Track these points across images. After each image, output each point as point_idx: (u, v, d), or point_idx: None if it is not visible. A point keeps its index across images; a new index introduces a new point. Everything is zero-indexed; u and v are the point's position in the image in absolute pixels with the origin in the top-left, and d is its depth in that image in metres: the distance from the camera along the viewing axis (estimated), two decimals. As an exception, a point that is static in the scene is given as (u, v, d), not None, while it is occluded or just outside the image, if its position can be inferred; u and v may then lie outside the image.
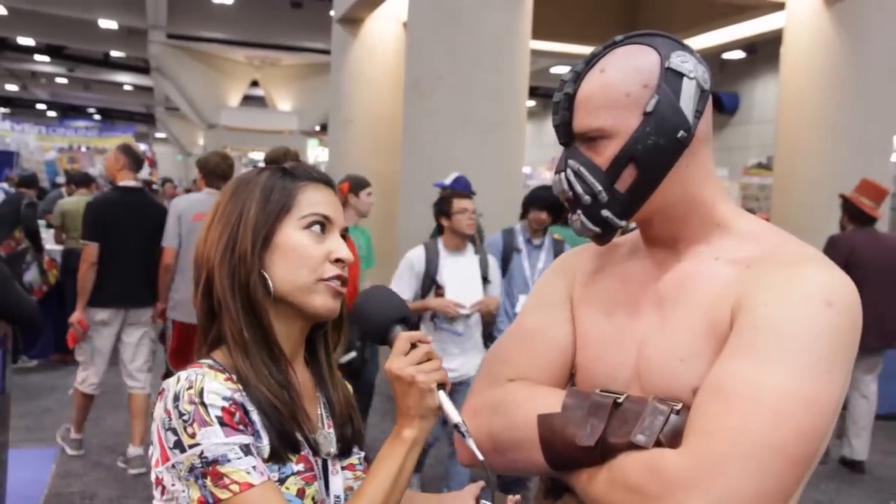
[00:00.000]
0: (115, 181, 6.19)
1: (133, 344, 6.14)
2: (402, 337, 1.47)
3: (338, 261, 1.52)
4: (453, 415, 1.44)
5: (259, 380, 1.45)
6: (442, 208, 5.18)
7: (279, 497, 1.39)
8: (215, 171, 5.98)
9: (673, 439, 1.34)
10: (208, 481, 1.34)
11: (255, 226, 1.49)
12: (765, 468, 1.23)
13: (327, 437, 1.57)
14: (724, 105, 19.36)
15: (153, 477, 1.43)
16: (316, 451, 1.52)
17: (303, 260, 1.49)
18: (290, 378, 1.51)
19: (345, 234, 1.58)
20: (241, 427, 1.39)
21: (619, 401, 1.44)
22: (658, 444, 1.35)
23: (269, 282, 1.49)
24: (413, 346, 1.46)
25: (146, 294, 6.09)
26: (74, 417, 6.27)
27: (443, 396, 1.45)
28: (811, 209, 8.79)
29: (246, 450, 1.38)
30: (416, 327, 1.53)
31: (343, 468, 1.60)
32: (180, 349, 5.79)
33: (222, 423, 1.37)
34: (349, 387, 1.72)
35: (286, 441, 1.44)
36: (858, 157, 9.04)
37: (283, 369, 1.51)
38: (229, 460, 1.35)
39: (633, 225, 1.61)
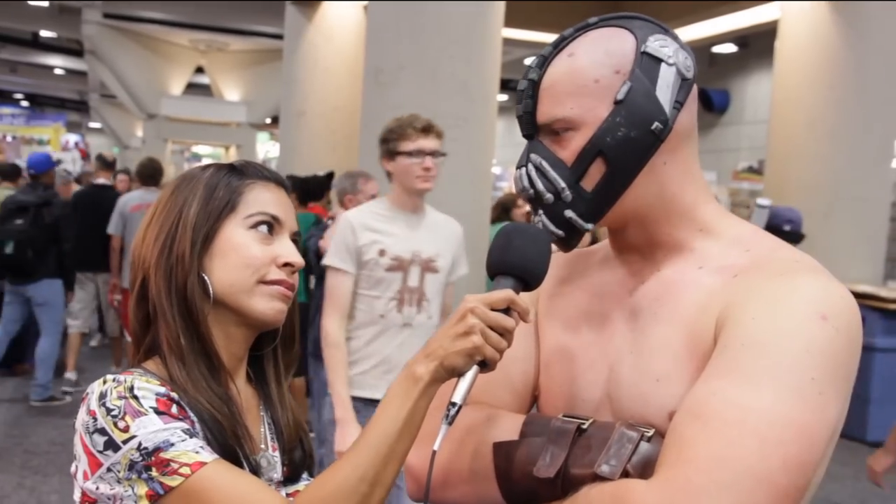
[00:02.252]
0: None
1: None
2: (509, 294, 1.38)
3: (286, 265, 1.50)
4: (459, 392, 1.35)
5: (197, 390, 1.44)
6: None
7: (237, 472, 1.37)
8: (143, 172, 9.07)
9: (643, 470, 1.30)
10: (154, 472, 1.32)
11: (196, 224, 1.47)
12: (747, 501, 1.19)
13: (271, 460, 1.56)
14: (713, 103, 19.44)
15: (77, 496, 1.40)
16: (256, 475, 1.49)
17: (244, 260, 1.48)
18: (230, 391, 1.50)
19: (296, 239, 1.56)
20: (179, 418, 1.37)
21: (584, 426, 1.40)
22: (626, 474, 1.30)
23: (209, 284, 1.47)
24: (507, 310, 1.38)
25: (95, 263, 9.02)
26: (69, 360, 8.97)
27: (471, 374, 1.36)
28: (806, 218, 8.83)
29: (189, 433, 1.36)
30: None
31: (288, 495, 1.58)
32: None
33: (158, 412, 1.36)
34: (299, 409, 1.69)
35: (228, 459, 1.41)
36: (857, 162, 9.12)
37: (223, 381, 1.49)
38: (172, 444, 1.33)
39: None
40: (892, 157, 9.84)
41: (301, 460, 1.63)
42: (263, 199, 1.52)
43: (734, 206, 15.23)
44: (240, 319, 1.51)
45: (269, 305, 1.50)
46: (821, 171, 9.20)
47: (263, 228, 1.50)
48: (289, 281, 1.51)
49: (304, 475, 1.64)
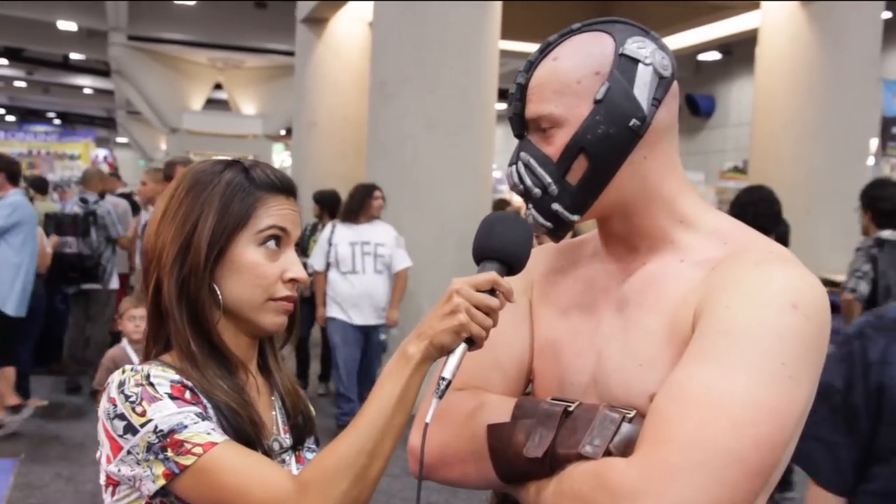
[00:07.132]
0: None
1: None
2: (492, 276, 1.37)
3: (291, 280, 1.50)
4: (449, 368, 1.35)
5: (212, 386, 1.44)
6: None
7: (246, 452, 1.38)
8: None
9: (625, 449, 1.30)
10: (169, 452, 1.34)
11: (211, 239, 1.46)
12: (720, 478, 1.19)
13: (283, 443, 1.57)
14: (700, 108, 19.47)
15: (102, 479, 1.43)
16: (269, 458, 1.49)
17: (256, 279, 1.48)
18: (242, 382, 1.51)
19: (298, 244, 1.56)
20: (193, 402, 1.38)
21: (570, 409, 1.40)
22: (608, 453, 1.30)
23: (219, 295, 1.47)
24: (492, 291, 1.37)
25: None
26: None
27: (460, 351, 1.35)
28: (787, 213, 8.80)
29: (202, 416, 1.37)
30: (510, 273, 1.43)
31: (297, 460, 1.60)
32: None
33: (172, 398, 1.37)
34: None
35: (242, 443, 1.41)
36: (835, 161, 9.10)
37: (237, 376, 1.50)
38: (186, 426, 1.34)
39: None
40: (867, 154, 9.81)
41: (304, 424, 1.64)
42: (274, 211, 1.51)
43: (721, 203, 15.25)
44: (246, 327, 1.52)
45: (274, 320, 1.50)
46: (801, 170, 9.18)
47: (272, 243, 1.50)
48: (293, 296, 1.52)
49: (309, 441, 1.65)
